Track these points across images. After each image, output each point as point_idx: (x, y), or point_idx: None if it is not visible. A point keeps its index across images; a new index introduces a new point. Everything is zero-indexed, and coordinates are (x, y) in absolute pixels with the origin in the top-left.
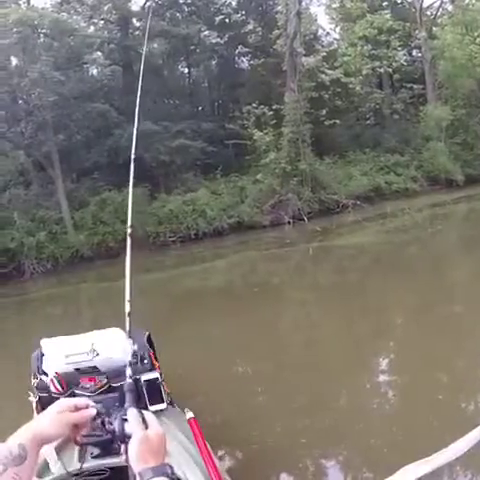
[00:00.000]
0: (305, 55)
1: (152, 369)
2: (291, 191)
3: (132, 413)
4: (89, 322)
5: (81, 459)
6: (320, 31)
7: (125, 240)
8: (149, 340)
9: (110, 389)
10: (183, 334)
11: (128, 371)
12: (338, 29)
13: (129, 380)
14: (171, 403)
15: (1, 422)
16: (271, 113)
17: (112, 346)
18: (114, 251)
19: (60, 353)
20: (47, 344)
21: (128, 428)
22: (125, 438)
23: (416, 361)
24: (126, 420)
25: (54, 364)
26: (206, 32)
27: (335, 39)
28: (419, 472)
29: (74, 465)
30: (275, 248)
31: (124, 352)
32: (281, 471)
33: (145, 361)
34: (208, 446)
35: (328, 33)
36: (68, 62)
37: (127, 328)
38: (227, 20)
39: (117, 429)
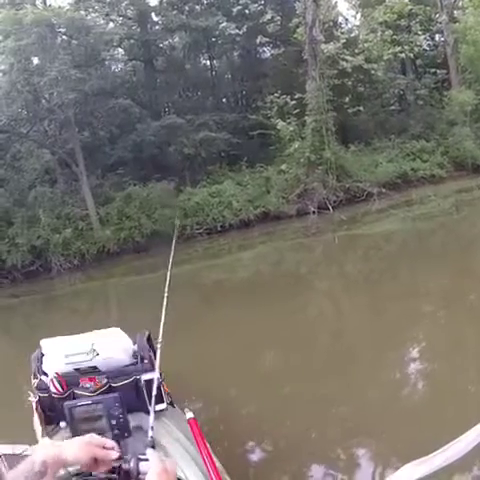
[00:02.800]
0: (325, 42)
1: (152, 369)
2: (316, 180)
3: (151, 453)
4: (116, 317)
5: None
6: (340, 18)
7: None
8: (149, 340)
9: (110, 389)
10: (209, 327)
11: (151, 420)
12: (358, 15)
13: (151, 423)
14: (171, 403)
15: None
16: (294, 102)
17: (112, 346)
18: (141, 246)
19: (60, 353)
20: (47, 344)
21: (143, 467)
22: (139, 476)
23: (447, 351)
24: (141, 460)
25: (54, 364)
26: (224, 23)
27: (355, 26)
28: (419, 472)
29: None
30: (302, 238)
31: (124, 352)
32: (282, 471)
33: (145, 361)
34: (208, 446)
35: (347, 20)
36: (88, 59)
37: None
38: (246, 11)
39: (132, 466)
